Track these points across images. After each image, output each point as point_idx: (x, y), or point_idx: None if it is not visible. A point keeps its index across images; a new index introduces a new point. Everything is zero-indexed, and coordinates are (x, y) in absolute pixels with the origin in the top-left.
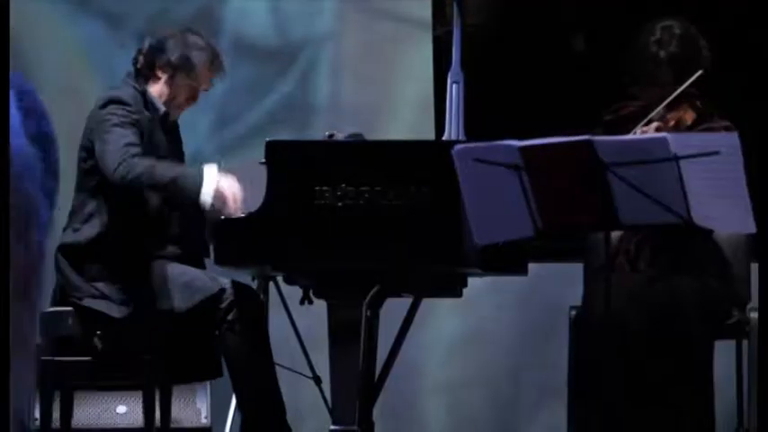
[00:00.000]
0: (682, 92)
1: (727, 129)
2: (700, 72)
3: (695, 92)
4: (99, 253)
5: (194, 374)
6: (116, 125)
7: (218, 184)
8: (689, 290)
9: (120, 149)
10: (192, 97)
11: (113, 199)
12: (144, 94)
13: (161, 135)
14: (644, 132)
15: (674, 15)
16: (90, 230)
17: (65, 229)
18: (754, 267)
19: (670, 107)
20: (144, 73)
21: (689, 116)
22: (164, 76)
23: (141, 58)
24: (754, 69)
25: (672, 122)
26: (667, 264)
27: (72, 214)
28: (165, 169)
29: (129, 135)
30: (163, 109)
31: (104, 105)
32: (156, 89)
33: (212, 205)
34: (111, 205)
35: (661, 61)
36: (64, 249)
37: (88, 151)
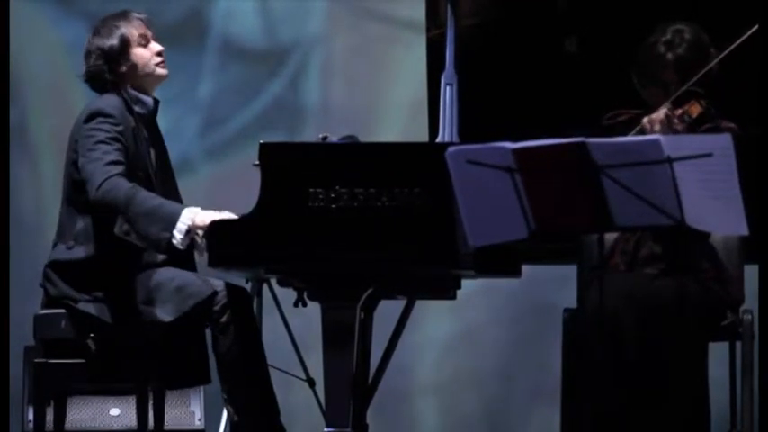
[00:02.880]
0: (687, 90)
1: (731, 131)
2: (705, 69)
3: (701, 92)
4: (91, 270)
5: (184, 380)
6: (101, 142)
7: (194, 222)
8: (683, 291)
9: (103, 167)
10: (150, 50)
11: (103, 215)
12: (126, 97)
13: (146, 138)
14: (652, 121)
15: (668, 20)
16: (82, 250)
17: (55, 245)
18: (748, 269)
19: (675, 105)
20: (112, 83)
21: (695, 109)
22: (122, 70)
23: (105, 73)
24: (756, 73)
25: (679, 112)
26: (664, 265)
27: (61, 229)
28: (145, 198)
29: (113, 152)
30: (151, 102)
31: (89, 119)
32: (128, 84)
33: (186, 244)
34: (101, 222)
35: (667, 63)
36: (55, 266)
37: (75, 164)
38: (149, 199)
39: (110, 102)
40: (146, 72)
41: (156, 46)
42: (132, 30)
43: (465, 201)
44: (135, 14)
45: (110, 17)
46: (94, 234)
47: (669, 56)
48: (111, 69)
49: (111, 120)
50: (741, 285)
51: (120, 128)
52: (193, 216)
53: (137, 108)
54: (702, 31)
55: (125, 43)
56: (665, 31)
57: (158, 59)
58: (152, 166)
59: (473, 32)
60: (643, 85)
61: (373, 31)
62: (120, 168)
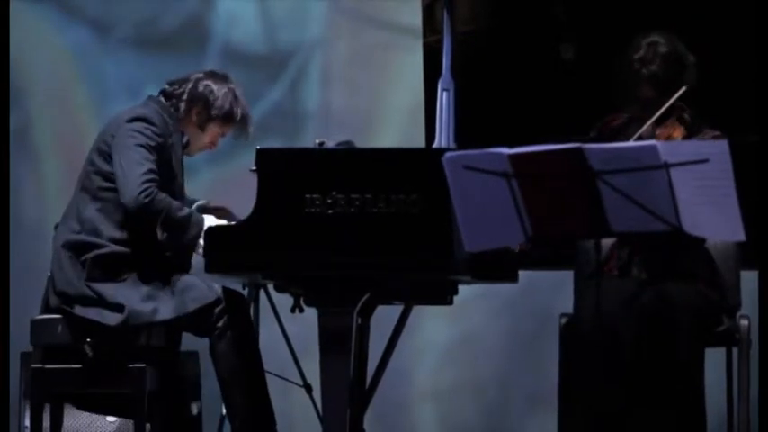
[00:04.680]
0: (669, 106)
1: (716, 138)
2: (683, 89)
3: (682, 105)
4: (100, 253)
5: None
6: (141, 145)
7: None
8: (680, 297)
9: (141, 176)
10: (215, 143)
11: (114, 207)
12: (171, 123)
13: (180, 158)
14: None
15: (663, 28)
16: (90, 237)
17: (60, 225)
18: (747, 275)
19: (658, 122)
20: (180, 111)
21: (678, 132)
22: (199, 120)
23: (182, 105)
24: (746, 77)
25: (662, 139)
26: (659, 271)
27: (68, 210)
28: (177, 209)
29: (151, 161)
30: (186, 138)
31: (132, 120)
32: (188, 128)
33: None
34: (111, 214)
35: (643, 79)
36: (68, 246)
37: (103, 155)
38: (180, 209)
39: (154, 113)
40: (199, 145)
41: (215, 146)
42: (233, 128)
43: (461, 206)
44: (249, 125)
45: (241, 102)
46: (99, 228)
47: (644, 72)
48: (191, 110)
49: (154, 128)
50: (737, 291)
51: (160, 139)
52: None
53: (173, 138)
54: (678, 41)
55: (221, 121)
56: (639, 46)
57: (203, 149)
58: (178, 184)
59: (470, 38)
60: (622, 103)
61: (373, 37)
62: (155, 179)
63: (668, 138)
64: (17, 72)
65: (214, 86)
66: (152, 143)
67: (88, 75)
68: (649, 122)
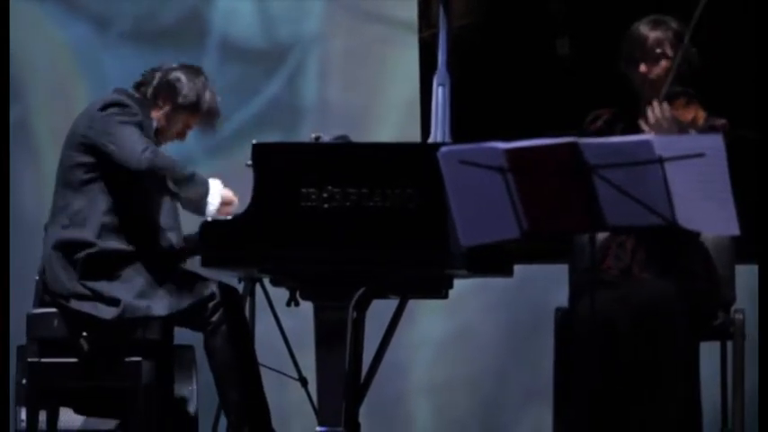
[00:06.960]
0: (686, 91)
1: (724, 127)
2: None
3: (690, 90)
4: (92, 252)
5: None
6: (123, 123)
7: (223, 195)
8: (675, 291)
9: (138, 141)
10: (183, 134)
11: (101, 195)
12: (140, 110)
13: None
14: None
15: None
16: (77, 232)
17: (48, 226)
18: (746, 269)
19: (667, 100)
20: (148, 101)
21: (700, 116)
22: (165, 108)
23: (150, 90)
24: (745, 74)
25: (689, 117)
26: (659, 267)
27: (54, 210)
28: (181, 167)
29: (138, 132)
30: (155, 126)
31: (104, 108)
32: (155, 115)
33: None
34: (98, 202)
35: (663, 40)
36: (59, 246)
37: (81, 147)
38: (183, 167)
39: (124, 98)
40: (167, 136)
41: (184, 137)
42: (200, 118)
43: (457, 201)
44: (217, 116)
45: (213, 91)
46: (89, 218)
47: (661, 34)
48: (157, 97)
49: (128, 109)
50: (732, 286)
51: (138, 118)
52: (221, 190)
53: (145, 123)
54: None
55: (188, 110)
56: (650, 17)
57: (171, 139)
58: None
59: (465, 33)
60: (635, 61)
61: (370, 32)
62: (150, 141)
63: (693, 120)
64: (17, 66)
65: (183, 77)
66: (132, 120)
67: (88, 69)
68: (669, 80)
